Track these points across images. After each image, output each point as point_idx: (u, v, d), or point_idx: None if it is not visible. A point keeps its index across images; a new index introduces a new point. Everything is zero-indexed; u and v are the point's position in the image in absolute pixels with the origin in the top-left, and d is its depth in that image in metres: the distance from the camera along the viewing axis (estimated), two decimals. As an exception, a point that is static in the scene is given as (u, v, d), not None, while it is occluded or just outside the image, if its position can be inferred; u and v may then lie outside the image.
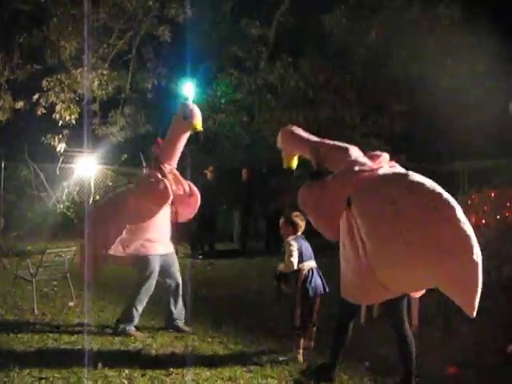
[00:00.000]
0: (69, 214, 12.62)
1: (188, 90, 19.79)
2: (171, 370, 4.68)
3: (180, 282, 5.95)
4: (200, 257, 11.66)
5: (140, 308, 5.77)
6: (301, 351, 4.96)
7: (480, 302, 3.48)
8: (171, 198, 5.60)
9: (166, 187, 5.56)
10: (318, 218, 4.39)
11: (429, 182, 3.73)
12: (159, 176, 5.67)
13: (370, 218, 3.89)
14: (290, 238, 5.06)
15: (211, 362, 4.91)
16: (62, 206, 12.47)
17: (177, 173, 5.98)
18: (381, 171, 4.14)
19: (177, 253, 11.38)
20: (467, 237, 3.41)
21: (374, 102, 13.28)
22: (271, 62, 13.99)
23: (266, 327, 5.98)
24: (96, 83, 12.26)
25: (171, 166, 5.90)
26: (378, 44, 12.37)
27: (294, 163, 5.09)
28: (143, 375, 4.59)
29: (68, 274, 7.14)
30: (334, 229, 4.30)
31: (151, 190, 5.67)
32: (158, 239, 5.80)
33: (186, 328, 5.90)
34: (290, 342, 5.17)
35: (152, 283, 5.77)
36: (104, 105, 14.06)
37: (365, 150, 4.58)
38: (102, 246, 5.71)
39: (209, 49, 15.04)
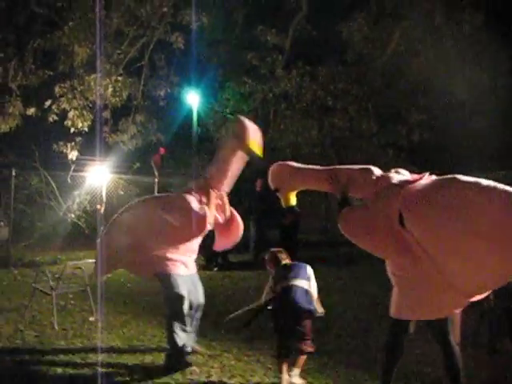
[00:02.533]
0: (80, 223, 12.31)
1: (193, 98, 19.72)
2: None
3: (202, 303, 5.34)
4: (215, 269, 11.33)
5: (182, 332, 5.00)
6: (284, 376, 4.50)
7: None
8: (206, 230, 4.98)
9: (204, 217, 4.83)
10: (367, 241, 4.06)
11: (477, 180, 3.69)
12: (199, 203, 4.96)
13: (436, 229, 3.67)
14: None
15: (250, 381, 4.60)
16: (72, 215, 12.15)
17: (225, 199, 5.28)
18: (423, 181, 3.94)
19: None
20: None
21: (392, 111, 13.06)
22: (287, 71, 13.73)
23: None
24: (110, 90, 11.99)
25: (221, 190, 5.17)
26: (398, 53, 12.13)
27: (294, 199, 4.64)
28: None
29: (88, 288, 6.81)
30: (386, 247, 3.99)
31: (186, 217, 4.87)
32: (185, 261, 5.18)
33: (198, 347, 5.43)
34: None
35: (183, 303, 5.00)
36: (115, 112, 13.80)
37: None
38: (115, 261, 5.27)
39: (223, 56, 14.82)
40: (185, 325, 5.00)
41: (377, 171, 4.25)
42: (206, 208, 4.90)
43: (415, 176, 4.10)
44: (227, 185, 5.18)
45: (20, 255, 11.19)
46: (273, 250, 5.07)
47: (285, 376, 4.49)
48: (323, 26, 13.17)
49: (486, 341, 5.71)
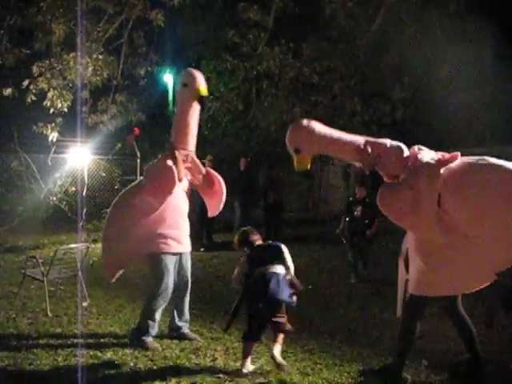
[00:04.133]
0: (62, 206, 12.06)
1: (168, 78, 19.42)
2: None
3: (189, 281, 5.34)
4: (202, 249, 11.26)
5: (157, 315, 5.12)
6: (247, 361, 4.43)
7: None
8: (174, 187, 4.94)
9: (169, 170, 4.87)
10: (411, 220, 3.99)
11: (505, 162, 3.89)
12: (168, 163, 4.95)
13: (479, 210, 3.84)
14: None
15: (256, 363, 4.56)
16: (54, 198, 11.88)
17: (196, 159, 5.29)
18: (458, 163, 3.99)
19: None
20: None
21: (376, 88, 13.02)
22: (270, 48, 13.53)
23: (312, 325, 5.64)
24: (90, 69, 11.64)
25: (187, 149, 5.15)
26: (382, 30, 12.04)
27: (309, 163, 4.29)
28: None
29: (80, 273, 6.66)
30: (431, 227, 3.92)
31: (154, 178, 4.97)
32: (173, 236, 5.11)
33: (193, 335, 5.33)
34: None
35: (167, 285, 5.05)
36: (94, 92, 13.43)
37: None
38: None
39: (204, 34, 14.53)
40: (159, 313, 5.13)
41: (406, 150, 4.15)
42: (171, 164, 4.95)
43: (446, 155, 4.09)
44: (190, 144, 5.20)
45: (1, 240, 10.94)
46: (244, 229, 4.82)
47: (247, 361, 4.42)
48: (306, 2, 12.97)
49: (482, 314, 5.80)
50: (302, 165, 4.26)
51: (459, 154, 4.07)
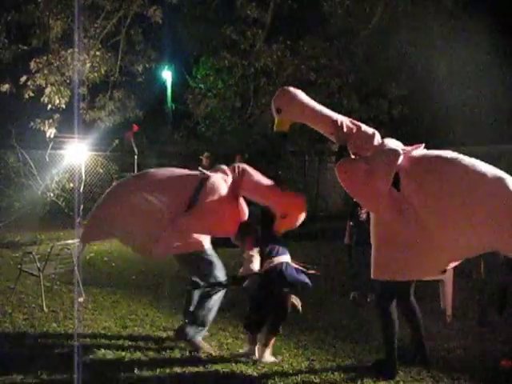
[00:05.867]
0: (59, 202, 12.08)
1: (167, 74, 19.39)
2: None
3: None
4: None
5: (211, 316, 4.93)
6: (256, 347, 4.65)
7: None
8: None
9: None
10: (362, 192, 4.27)
11: (476, 161, 4.05)
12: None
13: (437, 198, 3.97)
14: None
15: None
16: (51, 194, 11.89)
17: None
18: (420, 152, 4.25)
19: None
20: None
21: (373, 86, 13.03)
22: (268, 45, 13.54)
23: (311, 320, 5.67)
24: (88, 65, 11.64)
25: None
26: (380, 27, 12.05)
27: (287, 127, 4.55)
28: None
29: (76, 268, 6.68)
30: (379, 202, 4.16)
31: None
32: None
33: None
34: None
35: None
36: (92, 89, 13.44)
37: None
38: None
39: (202, 31, 14.52)
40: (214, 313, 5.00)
41: (378, 137, 4.38)
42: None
43: (410, 147, 4.32)
44: None
45: (-2, 236, 10.98)
46: (242, 222, 4.86)
47: (257, 347, 4.61)
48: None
49: (475, 312, 5.85)
50: (281, 126, 4.53)
51: (423, 145, 4.32)
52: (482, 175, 3.91)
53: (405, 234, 4.07)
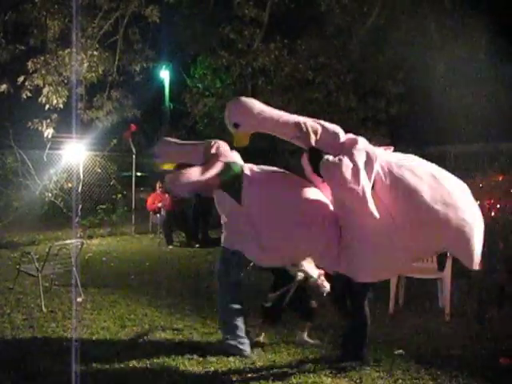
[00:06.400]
0: (57, 202, 12.08)
1: (164, 74, 19.37)
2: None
3: None
4: (197, 245, 11.30)
5: (240, 317, 4.84)
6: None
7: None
8: None
9: None
10: (348, 191, 4.02)
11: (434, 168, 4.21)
12: None
13: (404, 199, 4.04)
14: None
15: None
16: (50, 194, 11.89)
17: None
18: (392, 155, 4.31)
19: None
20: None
21: (371, 85, 13.05)
22: (265, 45, 13.55)
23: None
24: (85, 65, 11.64)
25: None
26: (377, 26, 12.07)
27: (248, 141, 4.34)
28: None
29: (74, 268, 6.68)
30: (362, 198, 3.99)
31: None
32: None
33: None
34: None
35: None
36: (89, 88, 13.43)
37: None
38: None
39: (199, 30, 14.52)
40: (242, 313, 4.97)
41: (342, 135, 4.27)
42: None
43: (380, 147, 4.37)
44: None
45: (-4, 236, 10.97)
46: None
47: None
48: (302, -2, 13.01)
49: (474, 311, 5.85)
50: (242, 141, 4.33)
51: (392, 148, 4.39)
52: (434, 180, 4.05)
53: (378, 234, 4.07)
